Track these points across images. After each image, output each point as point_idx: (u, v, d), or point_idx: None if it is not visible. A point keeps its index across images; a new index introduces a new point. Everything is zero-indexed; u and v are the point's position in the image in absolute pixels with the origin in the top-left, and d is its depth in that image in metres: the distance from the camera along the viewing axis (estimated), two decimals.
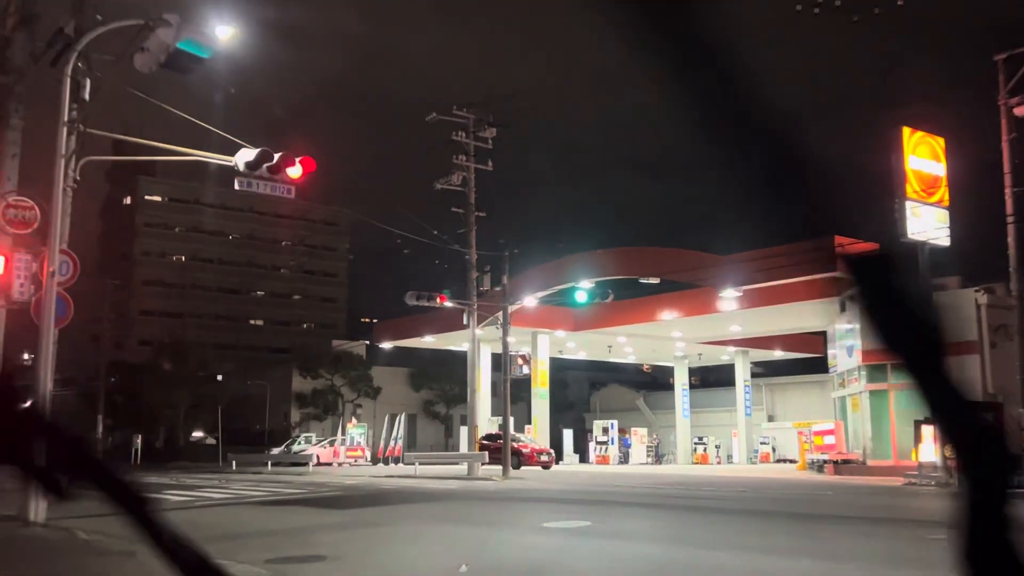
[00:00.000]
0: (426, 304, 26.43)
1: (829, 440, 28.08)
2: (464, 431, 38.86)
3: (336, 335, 74.09)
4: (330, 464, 42.70)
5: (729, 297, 27.26)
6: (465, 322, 29.19)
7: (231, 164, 14.01)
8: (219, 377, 58.81)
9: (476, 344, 29.60)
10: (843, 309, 28.20)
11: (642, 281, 28.18)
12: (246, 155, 13.80)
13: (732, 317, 33.17)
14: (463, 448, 38.69)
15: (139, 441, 57.24)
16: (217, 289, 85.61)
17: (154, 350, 58.39)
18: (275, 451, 46.70)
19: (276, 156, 13.80)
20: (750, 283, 26.26)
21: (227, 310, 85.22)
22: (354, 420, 47.27)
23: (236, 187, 14.12)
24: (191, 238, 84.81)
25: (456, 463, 30.95)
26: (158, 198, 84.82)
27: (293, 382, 62.23)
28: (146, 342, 69.90)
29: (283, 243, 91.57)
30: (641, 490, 20.33)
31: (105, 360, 59.17)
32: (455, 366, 63.09)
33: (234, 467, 41.15)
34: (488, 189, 30.90)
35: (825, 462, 26.98)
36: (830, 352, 30.06)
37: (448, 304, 28.27)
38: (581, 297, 26.76)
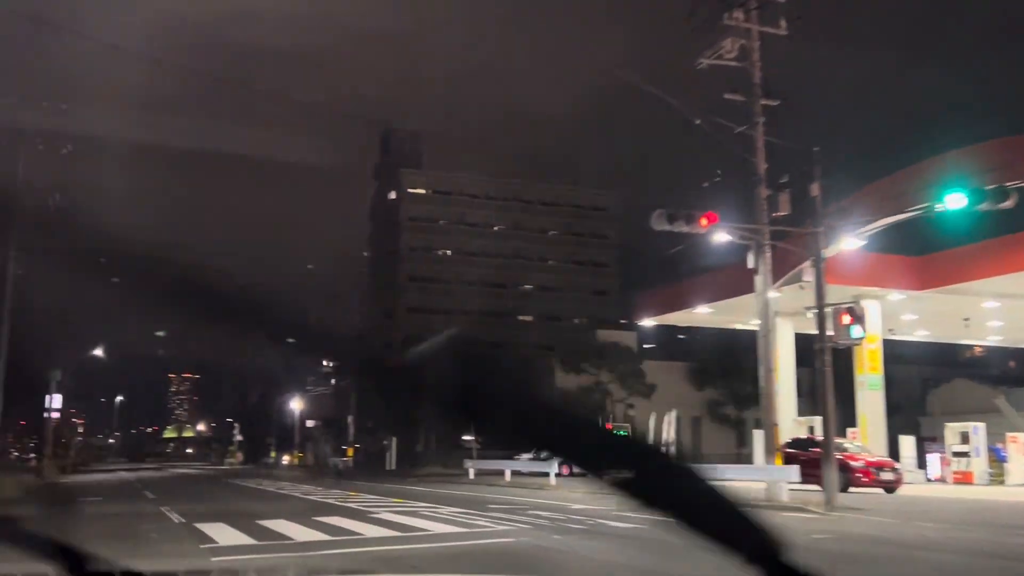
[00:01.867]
0: (683, 230, 16.75)
1: None
2: (760, 437, 28.43)
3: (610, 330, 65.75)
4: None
5: None
6: (751, 265, 19.07)
7: None
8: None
9: (767, 300, 19.36)
10: None
11: None
12: None
13: None
14: (759, 459, 28.18)
15: (394, 443, 52.29)
16: (483, 283, 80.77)
17: (400, 345, 53.26)
18: (525, 457, 38.96)
19: None
20: None
21: (493, 305, 79.97)
22: (611, 421, 38.13)
23: None
24: (455, 231, 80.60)
25: (751, 480, 20.83)
26: (422, 191, 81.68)
27: (555, 379, 54.84)
28: (411, 340, 65.97)
29: (550, 232, 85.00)
30: None
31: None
32: (745, 358, 52.11)
33: (471, 476, 33.80)
34: (782, 66, 20.75)
35: None
36: None
37: (720, 235, 18.38)
38: (957, 202, 15.22)
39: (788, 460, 19.30)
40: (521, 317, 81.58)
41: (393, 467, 51.23)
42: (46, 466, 40.20)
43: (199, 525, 12.27)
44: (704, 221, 16.48)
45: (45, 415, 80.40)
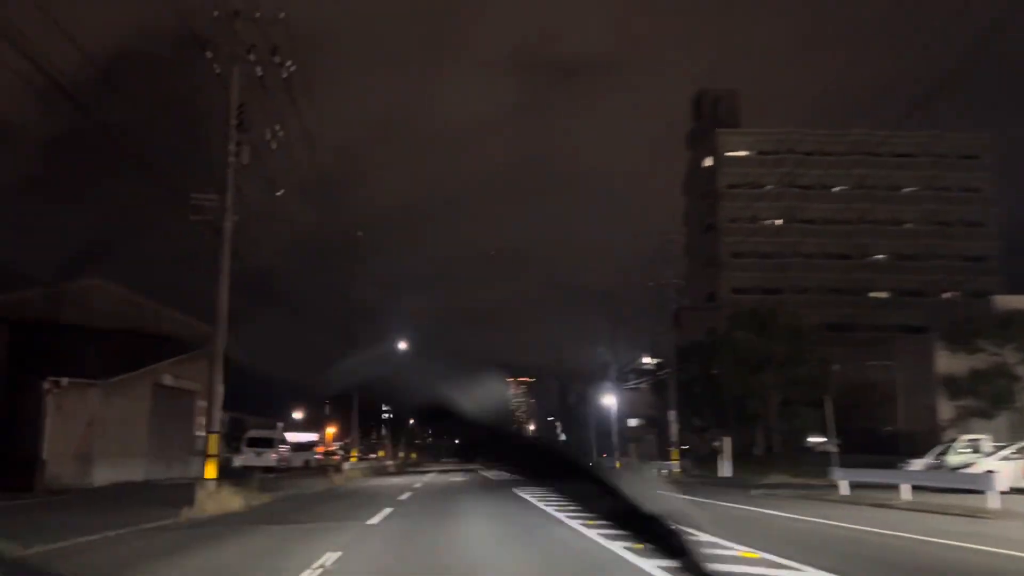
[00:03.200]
0: None
1: None
2: None
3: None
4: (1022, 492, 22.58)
5: None
6: None
7: None
8: (820, 360, 41.65)
9: None
10: None
11: None
12: None
13: None
14: None
15: (728, 445, 42.90)
16: (823, 255, 68.45)
17: (728, 324, 43.69)
18: (915, 464, 28.15)
19: None
20: None
21: (837, 281, 67.33)
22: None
23: None
24: (785, 195, 68.81)
25: None
26: (743, 153, 71.12)
27: (937, 362, 42.28)
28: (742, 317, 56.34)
29: (905, 190, 70.31)
30: None
31: (676, 346, 46.69)
32: None
33: (843, 491, 23.80)
34: None
35: None
36: None
37: None
38: None
39: None
40: (873, 293, 68.05)
41: (728, 474, 41.94)
42: (335, 471, 36.29)
43: None
44: None
45: (387, 416, 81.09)
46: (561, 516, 14.80)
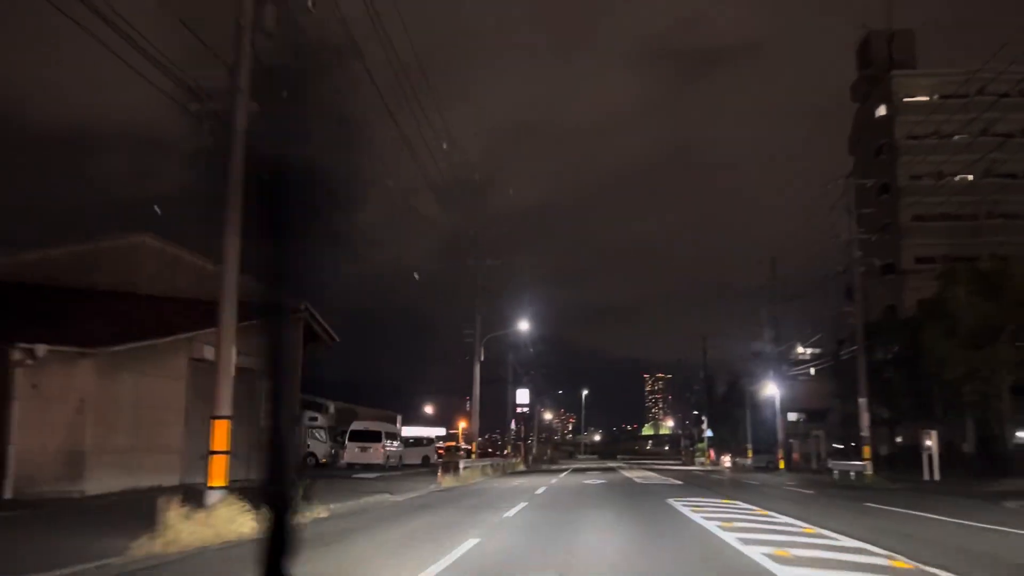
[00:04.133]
0: None
1: None
2: None
3: None
4: None
5: None
6: None
7: None
8: None
9: None
10: None
11: None
12: None
13: None
14: None
15: (935, 441, 33.75)
16: None
17: (941, 287, 34.37)
18: None
19: None
20: None
21: None
22: None
23: None
24: (979, 146, 57.63)
25: None
26: (923, 98, 60.46)
27: None
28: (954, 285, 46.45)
29: None
30: None
31: (860, 326, 37.72)
32: None
33: None
34: None
35: None
36: None
37: None
38: None
39: None
40: None
41: (935, 477, 32.92)
42: (444, 471, 29.77)
43: None
44: None
45: (519, 411, 74.75)
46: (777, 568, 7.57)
